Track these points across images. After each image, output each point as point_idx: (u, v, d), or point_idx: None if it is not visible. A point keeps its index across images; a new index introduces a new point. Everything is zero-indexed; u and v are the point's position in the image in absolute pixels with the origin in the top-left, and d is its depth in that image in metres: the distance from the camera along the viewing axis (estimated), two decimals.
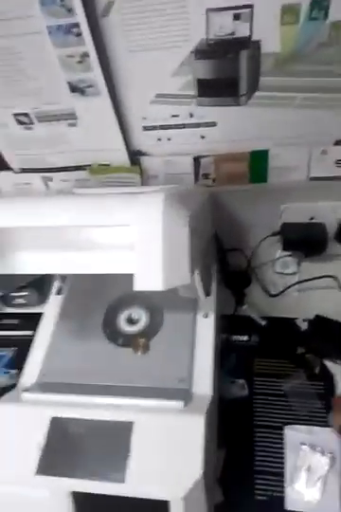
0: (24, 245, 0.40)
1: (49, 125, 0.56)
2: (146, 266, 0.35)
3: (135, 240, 0.34)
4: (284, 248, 0.70)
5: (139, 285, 0.35)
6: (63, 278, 0.68)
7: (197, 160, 0.64)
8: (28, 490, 0.47)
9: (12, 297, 0.75)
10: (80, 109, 0.55)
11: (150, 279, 0.35)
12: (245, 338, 0.70)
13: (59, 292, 0.67)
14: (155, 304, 0.64)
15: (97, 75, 0.49)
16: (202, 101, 0.55)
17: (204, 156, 0.64)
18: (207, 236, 0.62)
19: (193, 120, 0.58)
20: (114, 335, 0.61)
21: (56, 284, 0.67)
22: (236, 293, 0.73)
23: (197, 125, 0.59)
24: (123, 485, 0.44)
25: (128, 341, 0.60)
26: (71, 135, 0.58)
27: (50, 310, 0.64)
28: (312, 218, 0.69)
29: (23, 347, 0.62)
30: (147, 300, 0.64)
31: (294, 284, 0.72)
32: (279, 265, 0.75)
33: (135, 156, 0.64)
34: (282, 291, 0.72)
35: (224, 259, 0.70)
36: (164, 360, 0.58)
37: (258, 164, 0.64)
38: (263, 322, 0.68)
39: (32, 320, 0.66)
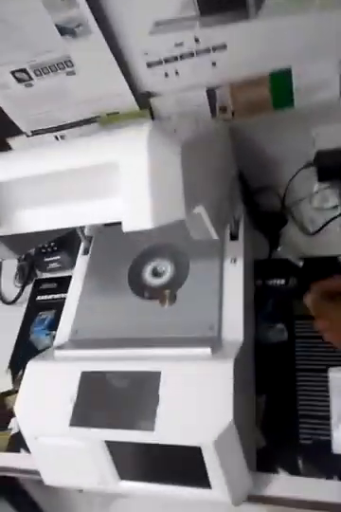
0: (17, 202, 0.39)
1: (48, 78, 0.54)
2: (133, 204, 0.32)
3: (122, 176, 0.31)
4: (320, 179, 0.63)
5: (127, 226, 0.32)
6: (89, 238, 0.68)
7: (211, 93, 0.59)
8: (65, 441, 0.48)
9: (47, 262, 0.77)
10: (75, 53, 0.52)
11: (138, 217, 0.32)
12: (282, 281, 0.65)
13: (85, 252, 0.67)
14: (180, 254, 0.61)
15: (83, 9, 0.45)
16: (206, 21, 0.49)
17: (218, 87, 0.58)
18: (226, 175, 0.57)
19: (200, 46, 0.52)
20: (140, 288, 0.60)
21: (82, 245, 0.67)
22: (270, 235, 0.68)
23: (205, 51, 0.53)
24: (153, 433, 0.44)
25: (155, 294, 0.58)
26: (71, 84, 0.56)
27: (78, 271, 0.65)
28: None
29: (61, 309, 0.64)
30: (171, 250, 0.62)
31: (334, 218, 0.65)
32: (318, 200, 0.68)
33: (144, 99, 0.60)
34: (322, 227, 0.66)
35: (251, 199, 0.65)
36: (191, 310, 0.55)
37: (280, 86, 0.57)
38: (301, 263, 0.63)
39: (68, 283, 0.66)
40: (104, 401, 0.48)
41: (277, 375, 0.58)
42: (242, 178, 0.60)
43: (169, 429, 0.44)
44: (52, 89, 0.56)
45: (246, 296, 0.58)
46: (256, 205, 0.67)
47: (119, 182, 0.33)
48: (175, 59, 0.55)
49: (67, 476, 0.52)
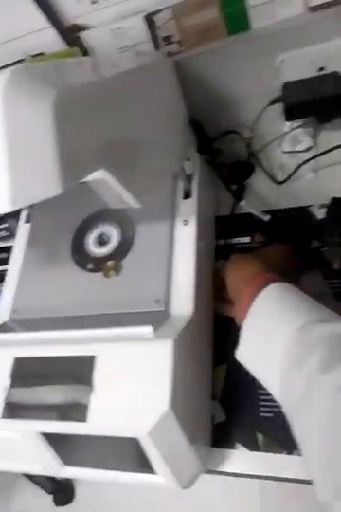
0: None
1: None
2: None
3: None
4: (288, 118, 0.53)
5: None
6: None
7: (151, 20, 0.48)
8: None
9: None
10: None
11: None
12: (247, 239, 0.58)
13: (27, 220, 0.60)
14: (128, 219, 0.54)
15: None
16: None
17: (158, 12, 0.48)
18: (173, 121, 0.48)
19: None
20: (83, 260, 0.54)
21: (23, 212, 0.61)
22: (234, 187, 0.60)
23: None
24: (85, 425, 0.40)
25: (99, 266, 0.52)
26: None
27: (19, 241, 0.59)
28: (321, 68, 0.50)
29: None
30: (117, 215, 0.54)
31: (306, 161, 0.56)
32: (288, 143, 0.59)
33: (73, 34, 0.50)
34: (292, 174, 0.57)
35: (208, 148, 0.56)
36: (138, 281, 0.50)
37: (233, 5, 0.47)
38: (266, 217, 0.55)
39: None
40: (37, 390, 0.44)
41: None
42: (195, 124, 0.52)
43: (102, 419, 0.40)
44: None
45: (202, 261, 0.51)
46: (215, 153, 0.59)
47: None
48: None
49: (10, 463, 0.49)
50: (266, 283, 0.41)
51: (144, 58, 0.50)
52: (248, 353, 0.42)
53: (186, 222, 0.51)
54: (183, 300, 0.47)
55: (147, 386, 0.40)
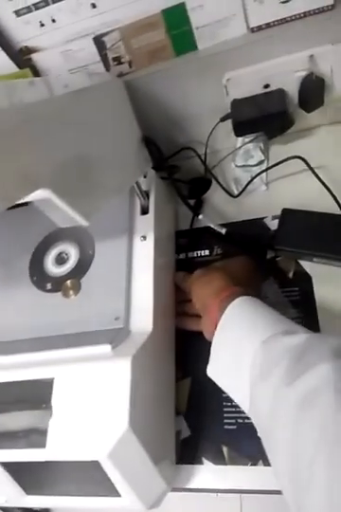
0: None
1: None
2: None
3: None
4: (237, 134, 0.55)
5: None
6: None
7: (100, 41, 0.49)
8: None
9: None
10: None
11: None
12: (206, 252, 0.59)
13: None
14: (86, 236, 0.54)
15: None
16: None
17: (106, 34, 0.49)
18: (126, 140, 0.49)
19: None
20: (41, 281, 0.53)
21: None
22: (191, 203, 0.61)
23: None
24: (44, 451, 0.39)
25: (57, 286, 0.52)
26: None
27: None
28: (266, 86, 0.53)
29: None
30: (76, 233, 0.54)
31: (256, 176, 0.58)
32: (241, 157, 0.61)
33: (24, 56, 0.50)
34: (245, 187, 0.59)
35: (164, 165, 0.57)
36: (97, 299, 0.49)
37: (177, 26, 0.48)
38: (223, 230, 0.57)
39: None
40: None
41: (202, 356, 0.53)
42: (149, 142, 0.52)
43: (61, 444, 0.39)
44: None
45: (162, 276, 0.52)
46: (172, 170, 0.60)
47: None
48: (46, 3, 0.45)
49: None
50: (233, 297, 0.41)
51: (95, 78, 0.51)
52: (218, 369, 0.42)
53: (143, 238, 0.51)
54: (142, 316, 0.47)
55: (106, 406, 0.39)
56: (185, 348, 0.53)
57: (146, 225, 0.52)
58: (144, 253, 0.50)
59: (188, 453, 0.49)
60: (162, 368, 0.48)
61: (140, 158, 0.52)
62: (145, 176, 0.55)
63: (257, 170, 0.59)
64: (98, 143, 0.41)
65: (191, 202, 0.61)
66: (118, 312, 0.47)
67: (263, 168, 0.59)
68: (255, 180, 0.58)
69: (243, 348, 0.38)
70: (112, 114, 0.46)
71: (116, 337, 0.45)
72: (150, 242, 0.51)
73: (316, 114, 0.55)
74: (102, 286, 0.50)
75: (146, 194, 0.54)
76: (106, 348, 0.42)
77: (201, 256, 0.59)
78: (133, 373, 0.39)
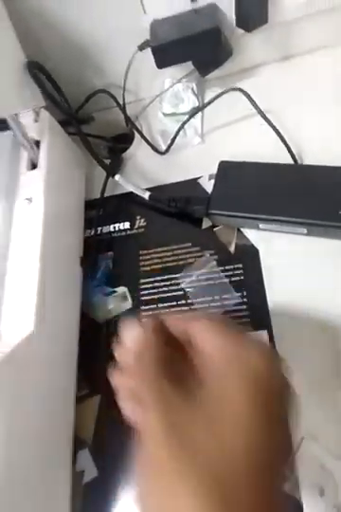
0: None
1: None
2: None
3: None
4: (158, 64, 0.42)
5: None
6: None
7: None
8: None
9: None
10: None
11: None
12: (127, 224, 0.45)
13: None
14: None
15: None
16: None
17: None
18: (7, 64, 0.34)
19: None
20: None
21: None
22: (108, 162, 0.47)
23: None
24: None
25: None
26: None
27: None
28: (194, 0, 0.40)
29: None
30: None
31: (186, 122, 0.45)
32: (169, 103, 0.47)
33: None
34: (173, 140, 0.46)
35: (61, 107, 0.42)
36: None
37: None
38: (146, 194, 0.43)
39: None
40: None
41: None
42: (36, 68, 0.37)
43: None
44: None
45: (57, 257, 0.37)
46: (82, 121, 0.45)
47: None
48: None
49: None
50: None
51: None
52: None
53: (29, 201, 0.36)
54: (20, 314, 0.32)
55: None
56: (92, 355, 0.39)
57: (34, 182, 0.37)
58: (28, 221, 0.36)
59: (93, 499, 0.35)
60: (51, 382, 0.34)
61: (24, 91, 0.37)
62: (36, 121, 0.40)
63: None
64: None
65: (106, 162, 0.47)
66: None
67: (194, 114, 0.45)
68: (187, 131, 0.45)
69: None
70: None
71: None
72: (38, 206, 0.36)
73: (260, 43, 0.43)
74: None
75: (36, 144, 0.39)
76: None
77: (119, 230, 0.45)
78: None
